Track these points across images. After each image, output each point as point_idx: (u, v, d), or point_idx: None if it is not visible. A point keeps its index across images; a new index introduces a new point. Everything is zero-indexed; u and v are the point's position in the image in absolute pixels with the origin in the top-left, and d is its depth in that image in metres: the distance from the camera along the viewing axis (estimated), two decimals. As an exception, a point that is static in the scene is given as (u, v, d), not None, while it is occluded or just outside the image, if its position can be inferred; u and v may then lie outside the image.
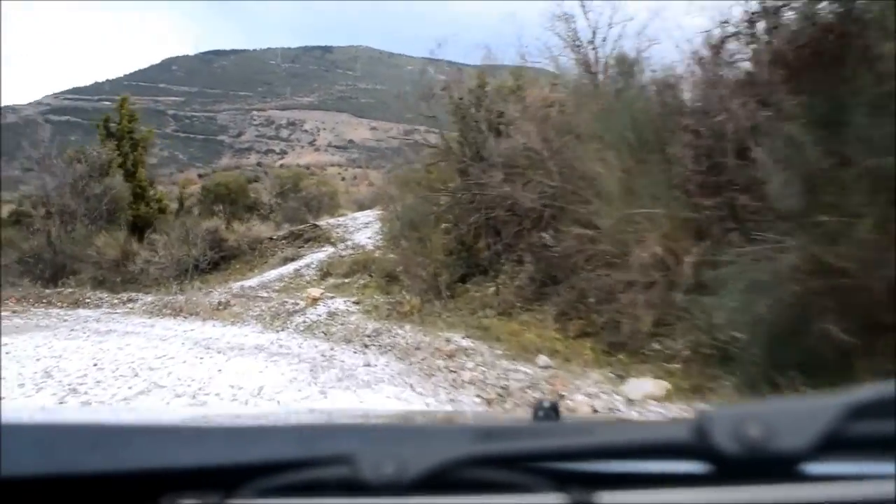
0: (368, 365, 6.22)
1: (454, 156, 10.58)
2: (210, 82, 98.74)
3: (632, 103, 6.62)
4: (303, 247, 13.69)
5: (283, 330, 8.20)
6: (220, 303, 9.96)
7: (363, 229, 14.33)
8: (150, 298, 10.97)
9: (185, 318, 9.60)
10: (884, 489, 0.55)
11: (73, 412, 2.27)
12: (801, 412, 0.55)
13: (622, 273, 5.43)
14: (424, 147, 11.58)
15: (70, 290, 11.85)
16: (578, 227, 6.10)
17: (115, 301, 11.11)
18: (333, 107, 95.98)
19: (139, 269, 12.76)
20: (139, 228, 15.37)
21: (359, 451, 0.56)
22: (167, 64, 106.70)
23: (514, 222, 9.63)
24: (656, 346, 6.15)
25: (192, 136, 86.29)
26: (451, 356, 6.14)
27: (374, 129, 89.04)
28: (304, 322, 8.44)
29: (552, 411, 0.88)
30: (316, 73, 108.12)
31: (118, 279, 12.53)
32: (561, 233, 8.07)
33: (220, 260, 13.65)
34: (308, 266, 12.43)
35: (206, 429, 0.84)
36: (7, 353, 7.86)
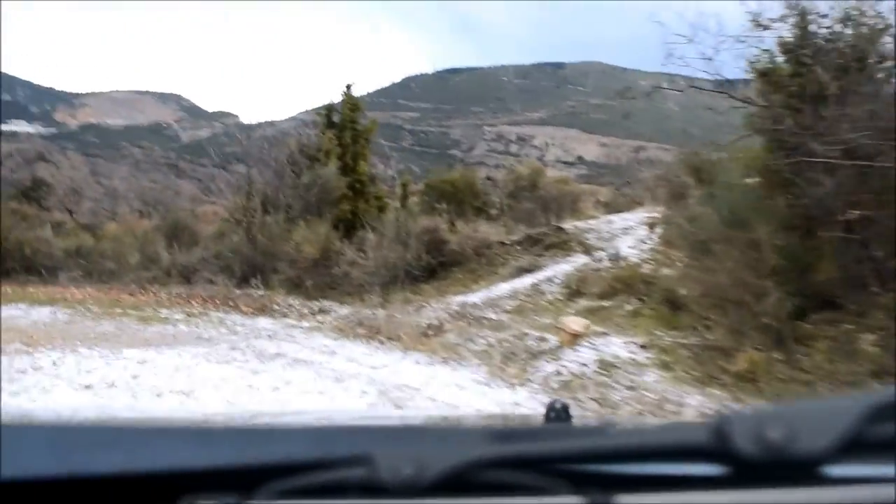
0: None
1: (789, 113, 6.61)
2: (445, 98, 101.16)
3: None
4: (542, 255, 10.33)
5: (521, 385, 4.83)
6: (430, 325, 6.96)
7: (622, 236, 10.64)
8: (345, 311, 8.35)
9: (380, 343, 6.71)
10: None
11: (88, 412, 1.82)
12: (822, 414, 0.53)
13: None
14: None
15: (260, 292, 9.73)
16: None
17: (305, 311, 8.68)
18: (563, 122, 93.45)
19: (342, 271, 10.34)
20: (352, 226, 13.21)
21: (376, 452, 0.53)
22: (406, 82, 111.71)
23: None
24: None
25: (426, 149, 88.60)
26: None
27: (603, 145, 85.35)
28: (558, 374, 4.98)
29: (564, 412, 0.83)
30: (547, 88, 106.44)
31: (315, 283, 10.20)
32: None
33: (439, 266, 10.80)
34: (549, 280, 9.07)
35: (223, 429, 0.81)
36: (135, 376, 5.52)
